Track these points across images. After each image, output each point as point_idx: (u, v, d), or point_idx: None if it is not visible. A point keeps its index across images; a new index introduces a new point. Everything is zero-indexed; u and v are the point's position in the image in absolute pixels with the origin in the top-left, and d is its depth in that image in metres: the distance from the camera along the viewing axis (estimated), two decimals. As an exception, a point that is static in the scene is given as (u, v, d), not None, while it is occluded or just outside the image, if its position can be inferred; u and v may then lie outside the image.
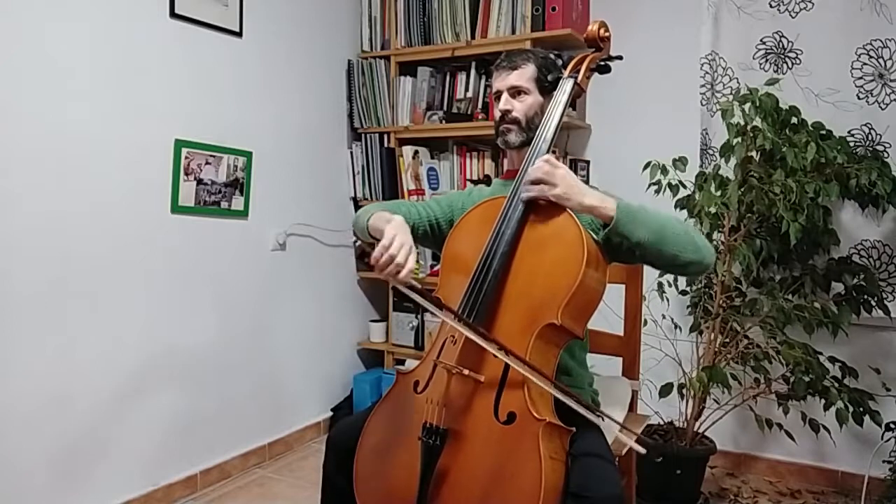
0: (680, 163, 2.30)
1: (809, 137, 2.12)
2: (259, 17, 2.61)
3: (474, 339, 1.25)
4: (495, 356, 1.24)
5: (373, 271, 1.26)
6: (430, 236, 1.62)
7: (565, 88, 1.44)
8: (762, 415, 2.30)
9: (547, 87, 1.50)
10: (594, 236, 1.32)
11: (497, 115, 1.55)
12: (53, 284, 1.98)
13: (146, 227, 2.23)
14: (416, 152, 3.02)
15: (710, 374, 2.18)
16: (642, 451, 1.21)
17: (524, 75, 1.52)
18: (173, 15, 2.27)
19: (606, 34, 1.48)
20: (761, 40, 2.52)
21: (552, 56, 1.55)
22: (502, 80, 1.54)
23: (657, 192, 2.33)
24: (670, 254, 1.30)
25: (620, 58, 1.52)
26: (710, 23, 2.56)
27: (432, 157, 3.11)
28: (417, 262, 2.86)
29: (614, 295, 1.63)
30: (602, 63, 1.50)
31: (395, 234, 1.29)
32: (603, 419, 1.28)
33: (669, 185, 2.34)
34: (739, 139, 2.20)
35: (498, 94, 1.55)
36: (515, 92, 1.52)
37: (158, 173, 2.27)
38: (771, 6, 2.50)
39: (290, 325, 2.85)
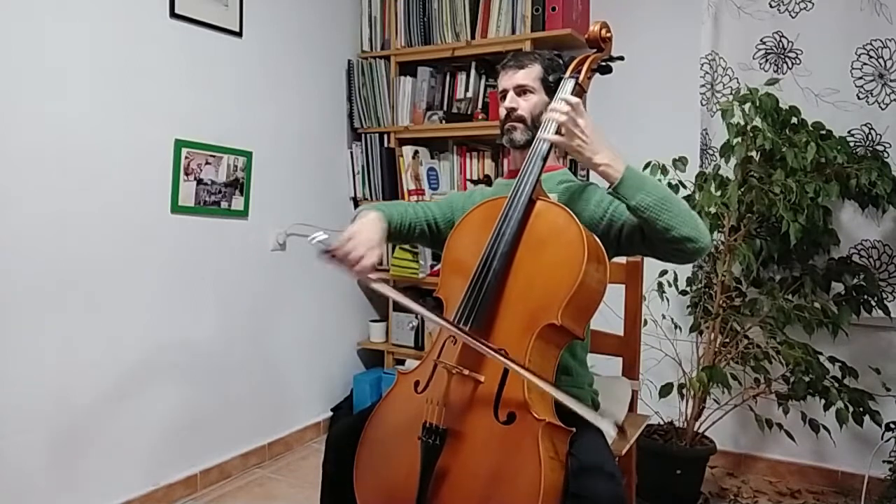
0: (680, 163, 2.30)
1: (809, 137, 2.12)
2: (259, 17, 2.61)
3: (461, 337, 1.25)
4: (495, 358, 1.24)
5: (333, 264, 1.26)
6: (428, 236, 1.63)
7: (566, 88, 1.44)
8: (762, 415, 2.30)
9: (552, 88, 1.51)
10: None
11: (502, 113, 1.55)
12: (53, 284, 1.98)
13: (146, 227, 2.23)
14: (416, 152, 3.02)
15: (710, 374, 2.18)
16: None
17: (530, 74, 1.53)
18: (173, 15, 2.27)
19: (608, 35, 1.48)
20: (761, 40, 2.52)
21: (557, 57, 1.55)
22: (509, 79, 1.55)
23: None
24: (669, 224, 1.28)
25: (622, 58, 1.52)
26: (710, 23, 2.56)
27: (432, 157, 3.11)
28: (416, 260, 2.89)
29: (614, 295, 1.63)
30: (603, 63, 1.50)
31: (357, 229, 1.32)
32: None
33: (669, 184, 2.32)
34: (739, 139, 2.20)
35: (504, 93, 1.56)
36: (521, 90, 1.53)
37: (158, 173, 2.27)
38: (771, 6, 2.50)
39: (290, 325, 2.85)
